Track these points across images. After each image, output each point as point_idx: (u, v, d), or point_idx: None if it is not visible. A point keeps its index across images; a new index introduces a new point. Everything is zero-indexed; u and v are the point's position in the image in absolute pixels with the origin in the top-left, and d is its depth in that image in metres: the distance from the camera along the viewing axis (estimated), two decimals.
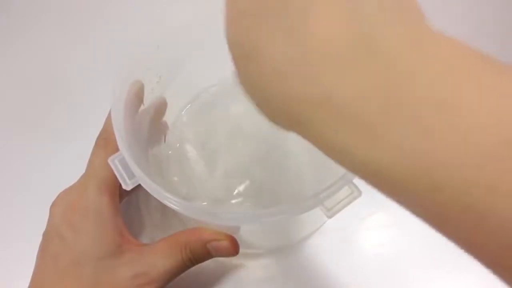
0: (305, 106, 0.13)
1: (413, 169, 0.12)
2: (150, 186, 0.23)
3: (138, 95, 0.28)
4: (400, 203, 0.13)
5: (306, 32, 0.13)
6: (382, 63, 0.12)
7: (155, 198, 0.23)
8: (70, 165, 0.31)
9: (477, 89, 0.11)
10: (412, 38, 0.13)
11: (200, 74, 0.34)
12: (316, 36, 0.13)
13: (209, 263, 0.27)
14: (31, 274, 0.27)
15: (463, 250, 0.12)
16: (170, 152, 0.35)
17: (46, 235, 0.27)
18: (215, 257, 0.27)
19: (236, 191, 0.33)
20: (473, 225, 0.11)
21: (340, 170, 0.22)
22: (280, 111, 0.15)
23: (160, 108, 0.32)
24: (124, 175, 0.24)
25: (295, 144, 0.34)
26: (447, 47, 0.12)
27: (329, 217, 0.22)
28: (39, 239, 0.27)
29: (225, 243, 0.26)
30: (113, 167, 0.24)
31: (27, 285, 0.26)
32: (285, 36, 0.14)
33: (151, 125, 0.31)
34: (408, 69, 0.12)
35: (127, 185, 0.24)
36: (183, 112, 0.37)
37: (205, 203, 0.33)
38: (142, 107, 0.29)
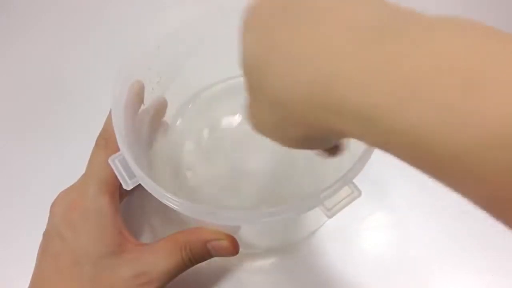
0: (322, 84, 0.14)
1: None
2: (150, 185, 0.23)
3: (138, 95, 0.28)
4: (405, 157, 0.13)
5: (322, 27, 0.14)
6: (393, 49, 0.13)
7: (155, 198, 0.23)
8: (70, 165, 0.31)
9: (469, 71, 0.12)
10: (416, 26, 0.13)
11: (200, 74, 0.34)
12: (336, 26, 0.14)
13: (209, 263, 0.27)
14: (31, 274, 0.27)
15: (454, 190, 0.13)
16: (170, 152, 0.35)
17: (46, 235, 0.27)
18: (215, 256, 0.27)
19: (236, 191, 0.33)
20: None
21: (340, 170, 0.23)
22: (296, 109, 0.15)
23: (161, 108, 0.32)
24: (125, 175, 0.24)
25: None
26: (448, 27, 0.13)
27: (329, 217, 0.22)
28: (39, 239, 0.27)
29: (225, 243, 0.26)
30: (113, 167, 0.24)
31: (27, 285, 0.26)
32: (302, 32, 0.15)
33: (151, 125, 0.31)
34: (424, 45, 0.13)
35: (128, 185, 0.24)
36: (183, 112, 0.37)
37: (205, 203, 0.33)
38: (142, 107, 0.29)
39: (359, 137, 0.15)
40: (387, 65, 0.13)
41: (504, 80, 0.11)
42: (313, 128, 0.16)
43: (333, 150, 0.21)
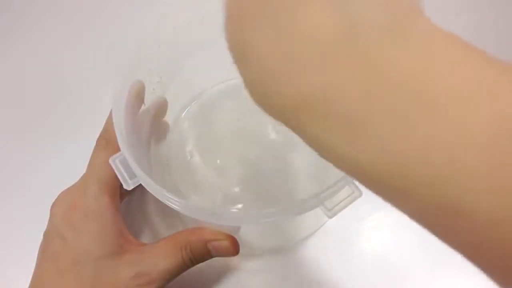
0: (293, 104, 0.14)
1: (390, 167, 0.12)
2: (151, 186, 0.23)
3: (139, 95, 0.28)
4: (387, 201, 0.13)
5: (293, 30, 0.13)
6: (363, 59, 0.12)
7: (155, 198, 0.23)
8: (70, 165, 0.31)
9: (461, 83, 0.11)
10: (397, 32, 0.12)
11: (201, 74, 0.34)
12: (301, 33, 0.13)
13: (209, 263, 0.27)
14: (31, 274, 0.27)
15: (455, 250, 0.13)
16: (170, 152, 0.35)
17: (47, 235, 0.27)
18: (215, 257, 0.27)
19: (237, 191, 0.33)
20: (450, 222, 0.11)
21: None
22: (275, 110, 0.15)
23: (161, 108, 0.32)
24: (125, 175, 0.24)
25: (296, 144, 0.34)
26: (434, 39, 0.12)
27: (330, 217, 0.22)
28: (39, 239, 0.27)
29: (225, 243, 0.26)
30: (114, 167, 0.24)
31: (27, 285, 0.26)
32: (275, 35, 0.14)
33: (152, 125, 0.31)
34: (389, 63, 0.12)
35: (128, 185, 0.24)
36: (184, 112, 0.37)
37: (206, 203, 0.33)
38: (143, 107, 0.29)
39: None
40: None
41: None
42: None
43: None
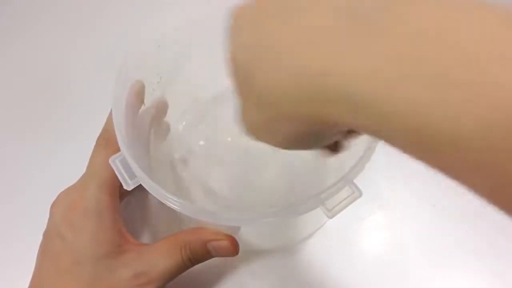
0: (315, 73, 0.14)
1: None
2: (151, 186, 0.23)
3: (139, 95, 0.28)
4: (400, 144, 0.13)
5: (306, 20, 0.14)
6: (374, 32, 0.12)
7: (155, 198, 0.23)
8: (70, 165, 0.31)
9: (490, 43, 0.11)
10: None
11: (201, 74, 0.34)
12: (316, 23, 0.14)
13: (209, 263, 0.27)
14: (31, 274, 0.27)
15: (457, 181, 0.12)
16: (170, 152, 0.35)
17: (46, 235, 0.27)
18: (215, 257, 0.27)
19: (237, 191, 0.33)
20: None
21: (341, 171, 0.23)
22: (292, 96, 0.15)
23: (161, 108, 0.32)
24: (125, 175, 0.24)
25: None
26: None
27: (330, 217, 0.22)
28: (39, 239, 0.27)
29: (225, 243, 0.26)
30: (114, 167, 0.24)
31: (27, 285, 0.26)
32: (289, 27, 0.14)
33: (152, 125, 0.31)
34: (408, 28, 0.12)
35: (128, 185, 0.24)
36: (184, 113, 0.37)
37: (206, 203, 0.33)
38: (143, 107, 0.29)
39: (353, 125, 0.14)
40: (373, 46, 0.12)
41: None
42: (304, 123, 0.15)
43: (333, 147, 0.21)
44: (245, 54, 0.16)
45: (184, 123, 0.36)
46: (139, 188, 0.24)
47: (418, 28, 0.12)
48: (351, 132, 0.19)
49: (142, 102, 0.29)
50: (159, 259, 0.26)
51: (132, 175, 0.24)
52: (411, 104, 0.11)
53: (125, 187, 0.24)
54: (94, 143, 0.28)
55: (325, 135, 0.18)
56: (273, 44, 0.15)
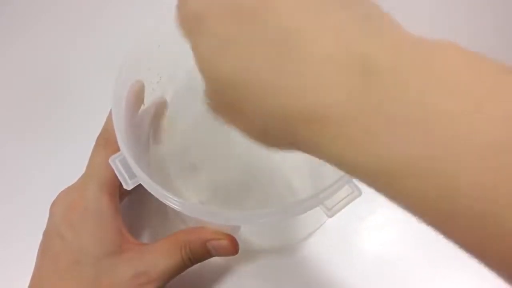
0: (302, 119, 0.14)
1: (400, 173, 0.12)
2: (151, 185, 0.23)
3: (138, 95, 0.28)
4: (394, 201, 0.14)
5: (300, 53, 0.14)
6: (372, 77, 0.13)
7: (155, 197, 0.23)
8: (70, 165, 0.31)
9: (467, 94, 0.12)
10: (397, 50, 0.13)
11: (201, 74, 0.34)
12: (310, 55, 0.14)
13: (209, 263, 0.27)
14: (31, 274, 0.27)
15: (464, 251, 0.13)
16: (170, 152, 0.35)
17: (46, 235, 0.27)
18: (215, 256, 0.27)
19: (236, 191, 0.33)
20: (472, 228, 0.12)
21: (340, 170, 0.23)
22: (276, 129, 0.15)
23: (161, 108, 0.32)
24: (125, 175, 0.24)
25: None
26: (435, 52, 0.13)
27: (330, 216, 0.22)
28: (39, 239, 0.27)
29: (225, 243, 0.26)
30: (114, 167, 0.24)
31: (27, 285, 0.26)
32: (278, 58, 0.14)
33: (151, 125, 0.31)
34: (398, 80, 0.13)
35: (128, 185, 0.24)
36: (184, 113, 0.37)
37: (206, 202, 0.33)
38: (142, 107, 0.29)
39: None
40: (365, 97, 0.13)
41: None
42: (285, 144, 0.17)
43: None
44: (231, 77, 0.16)
45: (184, 123, 0.36)
46: (139, 187, 0.24)
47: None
48: None
49: (142, 102, 0.29)
50: (159, 258, 0.26)
51: (132, 175, 0.24)
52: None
53: (125, 186, 0.24)
54: (94, 143, 0.29)
55: None
56: (266, 78, 0.15)
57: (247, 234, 0.30)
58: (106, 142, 0.28)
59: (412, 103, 0.12)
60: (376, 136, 0.12)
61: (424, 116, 0.12)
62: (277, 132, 0.16)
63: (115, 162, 0.24)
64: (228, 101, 0.16)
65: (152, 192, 0.23)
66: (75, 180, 0.28)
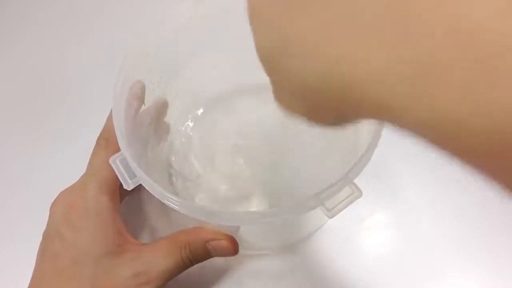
0: (365, 75, 0.13)
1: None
2: (151, 186, 0.23)
3: (139, 95, 0.28)
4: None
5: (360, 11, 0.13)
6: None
7: (155, 197, 0.23)
8: (70, 165, 0.31)
9: None
10: None
11: (201, 74, 0.34)
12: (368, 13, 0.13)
13: (209, 263, 0.27)
14: (31, 274, 0.27)
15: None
16: (170, 152, 0.35)
17: (46, 235, 0.27)
18: (214, 256, 0.27)
19: (236, 192, 0.33)
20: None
21: (341, 171, 0.23)
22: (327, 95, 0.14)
23: (161, 108, 0.32)
24: (125, 175, 0.24)
25: (296, 145, 0.34)
26: None
27: (330, 217, 0.22)
28: (39, 239, 0.27)
29: (224, 243, 0.26)
30: (114, 167, 0.24)
31: (27, 285, 0.26)
32: (339, 18, 0.13)
33: (152, 125, 0.31)
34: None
35: (128, 185, 0.24)
36: (184, 112, 0.37)
37: (205, 203, 0.33)
38: (143, 107, 0.29)
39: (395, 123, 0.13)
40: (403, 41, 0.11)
41: None
42: (341, 114, 0.15)
43: None
44: (270, 46, 0.15)
45: (184, 123, 0.36)
46: (139, 187, 0.24)
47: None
48: None
49: (142, 102, 0.29)
50: (158, 258, 0.26)
51: (132, 175, 0.24)
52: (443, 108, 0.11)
53: (125, 186, 0.24)
54: (94, 143, 0.28)
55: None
56: (302, 38, 0.14)
57: (247, 234, 0.30)
58: (107, 142, 0.28)
59: None
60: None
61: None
62: (324, 101, 0.15)
63: (115, 162, 0.24)
64: (284, 58, 0.15)
65: (152, 192, 0.23)
66: (75, 180, 0.28)
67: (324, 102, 0.15)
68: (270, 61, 0.16)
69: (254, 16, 0.16)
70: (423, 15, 0.11)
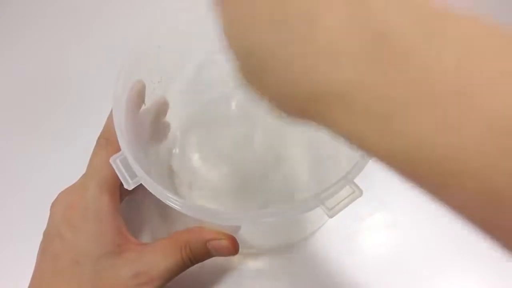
0: (324, 99, 0.14)
1: (426, 159, 0.12)
2: (151, 185, 0.23)
3: (139, 95, 0.28)
4: (413, 182, 0.14)
5: (318, 31, 0.13)
6: (396, 57, 0.12)
7: (155, 197, 0.23)
8: (70, 165, 0.31)
9: (497, 73, 0.11)
10: (424, 26, 0.12)
11: (201, 74, 0.34)
12: (328, 34, 0.13)
13: (209, 263, 0.27)
14: (31, 274, 0.27)
15: (476, 228, 0.12)
16: (171, 151, 0.35)
17: (46, 235, 0.27)
18: (215, 256, 0.27)
19: (236, 192, 0.33)
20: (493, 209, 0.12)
21: (341, 170, 0.23)
22: (294, 105, 0.15)
23: (162, 108, 0.32)
24: (126, 175, 0.24)
25: (296, 145, 0.34)
26: (461, 28, 0.12)
27: (330, 217, 0.22)
28: (39, 239, 0.27)
29: (225, 243, 0.26)
30: (114, 167, 0.24)
31: (27, 285, 0.26)
32: (297, 37, 0.14)
33: (152, 125, 0.31)
34: (423, 60, 0.12)
35: (129, 185, 0.24)
36: (184, 112, 0.37)
37: (206, 203, 0.33)
38: (143, 107, 0.29)
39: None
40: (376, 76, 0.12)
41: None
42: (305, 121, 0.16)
43: None
44: (247, 60, 0.16)
45: (184, 123, 0.36)
46: (140, 187, 0.24)
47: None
48: None
49: (142, 101, 0.29)
50: (159, 258, 0.26)
51: (133, 175, 0.24)
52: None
53: (126, 186, 0.24)
54: (94, 143, 0.28)
55: None
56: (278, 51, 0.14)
57: (247, 234, 0.30)
58: (107, 142, 0.28)
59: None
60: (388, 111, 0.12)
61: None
62: (293, 104, 0.15)
63: (116, 162, 0.24)
64: (251, 69, 0.16)
65: (153, 192, 0.23)
66: (75, 180, 0.28)
67: (287, 106, 0.16)
68: (253, 81, 0.16)
69: (231, 43, 0.16)
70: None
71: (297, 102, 0.15)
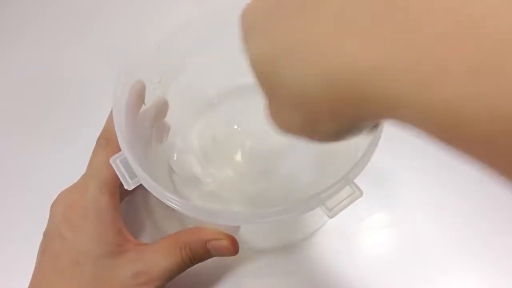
0: (361, 70, 0.13)
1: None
2: (151, 186, 0.23)
3: (139, 95, 0.28)
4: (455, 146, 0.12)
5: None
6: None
7: (155, 197, 0.23)
8: (70, 165, 0.31)
9: None
10: None
11: (201, 74, 0.34)
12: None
13: (208, 263, 0.27)
14: (31, 274, 0.27)
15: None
16: (171, 152, 0.35)
17: (46, 235, 0.27)
18: (215, 256, 0.27)
19: (237, 192, 0.33)
20: None
21: (341, 170, 0.23)
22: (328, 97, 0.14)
23: (162, 108, 0.32)
24: (126, 175, 0.24)
25: (296, 145, 0.34)
26: None
27: (331, 217, 0.22)
28: (39, 239, 0.27)
29: (225, 243, 0.26)
30: (114, 167, 0.24)
31: (27, 285, 0.26)
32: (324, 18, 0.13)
33: (152, 125, 0.31)
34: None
35: (129, 185, 0.24)
36: (184, 112, 0.37)
37: (206, 203, 0.33)
38: (143, 107, 0.29)
39: (399, 118, 0.13)
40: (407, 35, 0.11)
41: None
42: (344, 119, 0.15)
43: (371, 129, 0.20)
44: (266, 61, 0.15)
45: (184, 123, 0.36)
46: (139, 187, 0.24)
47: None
48: None
49: (142, 102, 0.29)
50: (159, 258, 0.26)
51: (133, 175, 0.24)
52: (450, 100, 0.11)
53: (126, 187, 0.24)
54: (94, 143, 0.29)
55: (367, 125, 0.17)
56: (297, 44, 0.14)
57: (247, 234, 0.30)
58: (107, 142, 0.28)
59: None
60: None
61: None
62: (321, 108, 0.14)
63: (116, 162, 0.24)
64: (274, 84, 0.15)
65: (153, 192, 0.23)
66: (75, 180, 0.28)
67: (323, 107, 0.14)
68: (267, 74, 0.16)
69: (249, 32, 0.16)
70: (421, 11, 0.11)
71: (333, 92, 0.14)
